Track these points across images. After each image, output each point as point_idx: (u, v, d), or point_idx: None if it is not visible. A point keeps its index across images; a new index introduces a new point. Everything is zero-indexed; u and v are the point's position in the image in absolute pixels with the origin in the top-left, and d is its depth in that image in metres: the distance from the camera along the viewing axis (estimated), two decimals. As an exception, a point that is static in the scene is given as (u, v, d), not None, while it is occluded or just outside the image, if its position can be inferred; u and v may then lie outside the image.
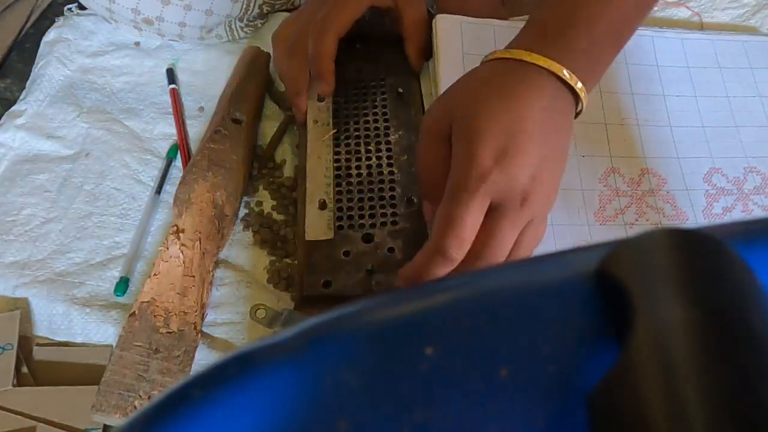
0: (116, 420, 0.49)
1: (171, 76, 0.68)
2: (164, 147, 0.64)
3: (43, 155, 0.63)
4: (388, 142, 0.59)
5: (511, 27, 0.66)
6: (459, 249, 0.44)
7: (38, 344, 0.54)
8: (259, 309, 0.53)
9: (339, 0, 0.60)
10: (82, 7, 0.72)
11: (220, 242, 0.57)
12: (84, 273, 0.57)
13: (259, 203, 0.61)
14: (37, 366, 0.53)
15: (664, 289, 0.21)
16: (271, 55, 0.66)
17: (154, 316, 0.52)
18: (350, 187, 0.57)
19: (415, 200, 0.55)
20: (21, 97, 0.67)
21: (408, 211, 0.55)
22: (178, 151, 0.63)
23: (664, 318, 0.20)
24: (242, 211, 0.60)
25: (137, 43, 0.71)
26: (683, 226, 0.23)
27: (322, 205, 0.56)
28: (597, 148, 0.61)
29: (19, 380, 0.52)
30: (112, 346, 0.53)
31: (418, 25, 0.63)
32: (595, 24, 0.48)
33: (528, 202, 0.45)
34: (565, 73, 0.46)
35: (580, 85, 0.47)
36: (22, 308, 0.55)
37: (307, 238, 0.54)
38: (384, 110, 0.61)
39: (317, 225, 0.55)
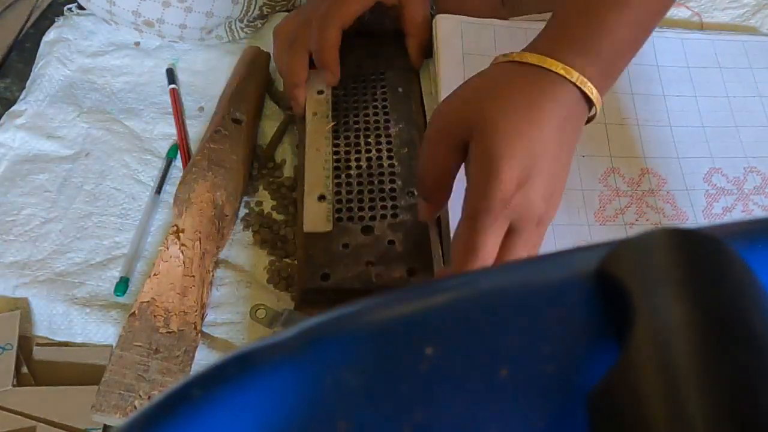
0: (116, 420, 0.49)
1: (171, 76, 0.68)
2: (164, 147, 0.64)
3: (43, 155, 0.63)
4: (388, 135, 0.59)
5: (511, 27, 0.66)
6: None
7: (38, 344, 0.54)
8: (259, 309, 0.53)
9: None
10: (82, 7, 0.72)
11: (220, 242, 0.57)
12: (84, 273, 0.57)
13: (259, 203, 0.61)
14: (37, 366, 0.53)
15: (664, 289, 0.21)
16: (272, 51, 0.66)
17: (154, 316, 0.52)
18: (349, 180, 0.57)
19: (415, 193, 0.55)
20: (21, 97, 0.67)
21: (409, 203, 0.55)
22: (178, 151, 0.63)
23: (664, 318, 0.20)
24: (242, 211, 0.60)
25: (137, 43, 0.71)
26: (683, 226, 0.23)
27: (321, 197, 0.56)
28: (597, 148, 0.61)
29: (19, 380, 0.51)
30: (112, 346, 0.53)
31: (420, 23, 0.63)
32: (617, 31, 0.47)
33: (542, 223, 0.46)
34: (583, 82, 0.46)
35: (595, 92, 0.47)
36: (22, 308, 0.55)
37: (305, 230, 0.54)
38: (384, 103, 0.61)
39: (316, 217, 0.55)
